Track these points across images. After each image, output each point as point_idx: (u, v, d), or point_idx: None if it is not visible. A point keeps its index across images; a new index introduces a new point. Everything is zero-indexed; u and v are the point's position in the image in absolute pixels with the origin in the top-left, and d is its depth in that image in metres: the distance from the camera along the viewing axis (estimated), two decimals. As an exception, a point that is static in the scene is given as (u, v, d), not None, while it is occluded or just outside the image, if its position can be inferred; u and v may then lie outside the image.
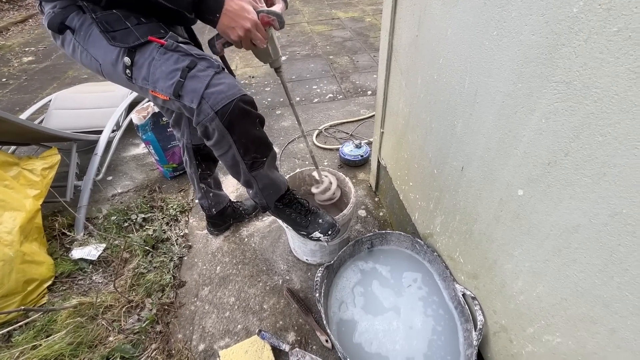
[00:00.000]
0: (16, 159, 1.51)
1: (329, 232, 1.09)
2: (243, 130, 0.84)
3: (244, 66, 3.26)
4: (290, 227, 1.15)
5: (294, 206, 1.10)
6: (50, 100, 2.17)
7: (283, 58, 3.39)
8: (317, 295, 0.95)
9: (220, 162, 1.02)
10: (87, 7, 0.79)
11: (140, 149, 2.22)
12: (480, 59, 0.70)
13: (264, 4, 0.85)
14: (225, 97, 0.78)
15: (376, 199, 1.72)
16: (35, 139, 1.77)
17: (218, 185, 1.49)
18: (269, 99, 2.68)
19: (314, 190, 1.31)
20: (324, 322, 0.89)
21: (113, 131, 1.98)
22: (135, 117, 1.61)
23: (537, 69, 0.55)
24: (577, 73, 0.48)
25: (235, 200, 1.63)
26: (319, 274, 1.00)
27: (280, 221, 1.18)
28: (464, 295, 0.90)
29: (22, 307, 1.11)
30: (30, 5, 5.92)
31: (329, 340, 1.16)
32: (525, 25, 0.56)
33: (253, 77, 3.03)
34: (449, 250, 0.98)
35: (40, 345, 1.21)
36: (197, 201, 1.48)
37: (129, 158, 2.14)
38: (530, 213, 0.63)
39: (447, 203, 0.95)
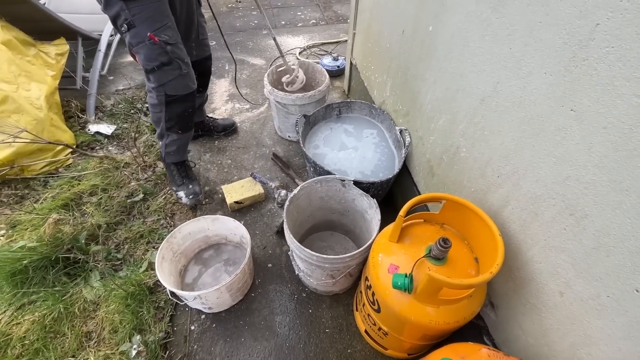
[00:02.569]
0: (33, 41, 1.70)
1: (191, 197, 1.43)
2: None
3: (231, -8, 3.34)
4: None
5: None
6: (45, 3, 2.27)
7: (269, -13, 3.49)
8: (297, 128, 1.30)
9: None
10: None
11: (136, 56, 2.40)
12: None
13: None
14: None
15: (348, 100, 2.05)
16: (44, 30, 1.93)
17: (201, 104, 1.71)
18: (256, 22, 2.86)
19: (284, 79, 1.63)
20: (303, 148, 1.25)
21: (111, 35, 2.15)
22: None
23: None
24: None
25: (209, 116, 1.85)
26: (298, 119, 1.34)
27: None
28: (400, 132, 1.28)
29: (67, 144, 1.40)
30: None
31: (304, 184, 1.55)
32: None
33: (240, 2, 3.16)
34: (394, 105, 1.34)
35: (73, 187, 1.52)
36: None
37: (127, 63, 2.34)
38: (434, 40, 0.97)
39: (394, 67, 1.30)
